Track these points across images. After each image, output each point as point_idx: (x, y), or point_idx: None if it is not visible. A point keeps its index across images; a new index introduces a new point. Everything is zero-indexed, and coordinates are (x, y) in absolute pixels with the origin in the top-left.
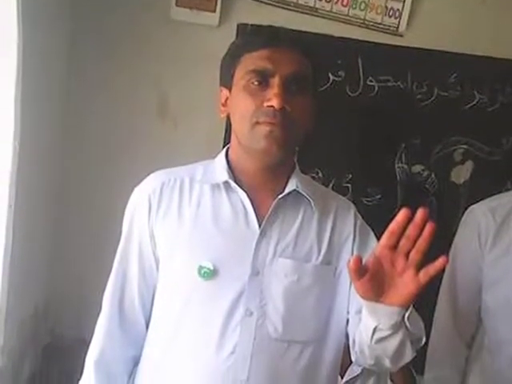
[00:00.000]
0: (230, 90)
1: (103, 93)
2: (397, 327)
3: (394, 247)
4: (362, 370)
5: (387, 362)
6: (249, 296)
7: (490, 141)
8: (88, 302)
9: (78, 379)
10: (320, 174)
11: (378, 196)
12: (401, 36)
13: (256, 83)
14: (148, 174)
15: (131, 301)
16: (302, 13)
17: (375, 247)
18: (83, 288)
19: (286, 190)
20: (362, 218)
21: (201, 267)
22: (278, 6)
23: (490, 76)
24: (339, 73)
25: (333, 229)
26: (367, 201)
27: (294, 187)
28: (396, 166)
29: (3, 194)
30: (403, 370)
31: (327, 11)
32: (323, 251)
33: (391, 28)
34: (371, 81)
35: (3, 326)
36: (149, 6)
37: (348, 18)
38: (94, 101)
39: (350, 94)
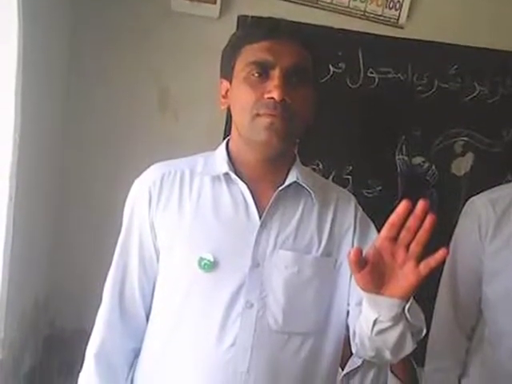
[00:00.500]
0: (230, 81)
1: (103, 85)
2: (397, 319)
3: (395, 239)
4: (363, 362)
5: (388, 354)
6: (249, 288)
7: (490, 133)
8: (88, 294)
9: (79, 371)
10: (320, 166)
11: (379, 188)
12: (401, 28)
13: (256, 75)
14: (148, 167)
15: (132, 293)
16: (303, 4)
17: (375, 239)
18: (84, 280)
19: (287, 182)
20: (363, 209)
21: (201, 259)
22: None
23: (490, 68)
24: (340, 64)
25: (333, 220)
26: (368, 192)
27: (295, 179)
28: (396, 157)
29: (4, 187)
30: (404, 361)
31: (328, 3)
32: (323, 243)
33: (392, 20)
34: (372, 72)
35: (4, 318)
36: None
37: (348, 9)
38: (95, 93)
39: (350, 85)
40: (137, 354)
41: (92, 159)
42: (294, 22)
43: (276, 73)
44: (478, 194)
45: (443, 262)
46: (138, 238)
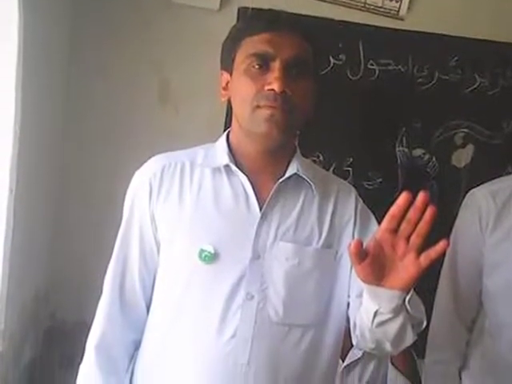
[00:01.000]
0: (230, 73)
1: (104, 78)
2: (397, 311)
3: (395, 231)
4: (363, 354)
5: (388, 346)
6: (250, 280)
7: (490, 124)
8: (89, 286)
9: (79, 363)
10: (321, 158)
11: (379, 180)
12: (402, 20)
13: (257, 67)
14: (149, 159)
15: (132, 285)
16: None
17: (376, 231)
18: (84, 272)
19: (287, 174)
20: (363, 201)
21: (202, 251)
22: None
23: (490, 59)
24: (340, 56)
25: (334, 212)
26: (368, 184)
27: (295, 171)
28: (397, 149)
29: (4, 179)
30: (404, 353)
31: None
32: (324, 235)
33: (392, 11)
34: (372, 64)
35: (4, 310)
36: None
37: (349, 1)
38: (95, 85)
39: (350, 77)
40: (137, 345)
41: (92, 151)
42: (295, 13)
43: (276, 65)
44: (478, 185)
45: (444, 254)
46: (139, 230)
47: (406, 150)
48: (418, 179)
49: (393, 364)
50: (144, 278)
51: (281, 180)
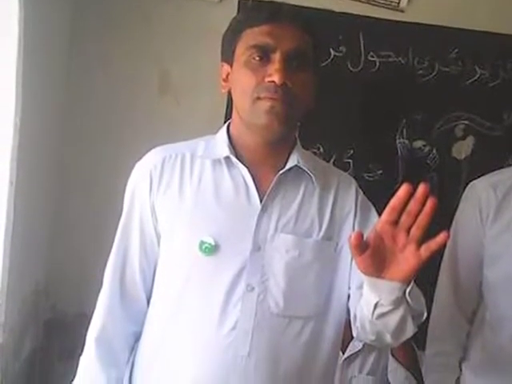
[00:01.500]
0: (231, 65)
1: (104, 69)
2: (398, 302)
3: (396, 223)
4: (363, 346)
5: (388, 338)
6: (250, 271)
7: (491, 116)
8: (89, 278)
9: (79, 355)
10: (321, 150)
11: (380, 171)
12: (402, 11)
13: (257, 58)
14: (149, 151)
15: (132, 277)
16: None
17: (376, 223)
18: (84, 264)
19: (287, 166)
20: (364, 193)
21: (202, 242)
22: None
23: (491, 51)
24: (340, 48)
25: (334, 204)
26: (368, 176)
27: (295, 163)
28: (397, 141)
29: (4, 171)
30: (404, 345)
31: None
32: (324, 227)
33: (392, 3)
34: (372, 56)
35: (4, 302)
36: None
37: None
38: (95, 77)
39: (351, 69)
40: (137, 337)
41: (93, 144)
42: (295, 5)
43: (277, 56)
44: (478, 177)
45: (444, 246)
46: (139, 222)
47: (407, 141)
48: (418, 171)
49: (393, 356)
50: (144, 270)
51: (281, 172)
